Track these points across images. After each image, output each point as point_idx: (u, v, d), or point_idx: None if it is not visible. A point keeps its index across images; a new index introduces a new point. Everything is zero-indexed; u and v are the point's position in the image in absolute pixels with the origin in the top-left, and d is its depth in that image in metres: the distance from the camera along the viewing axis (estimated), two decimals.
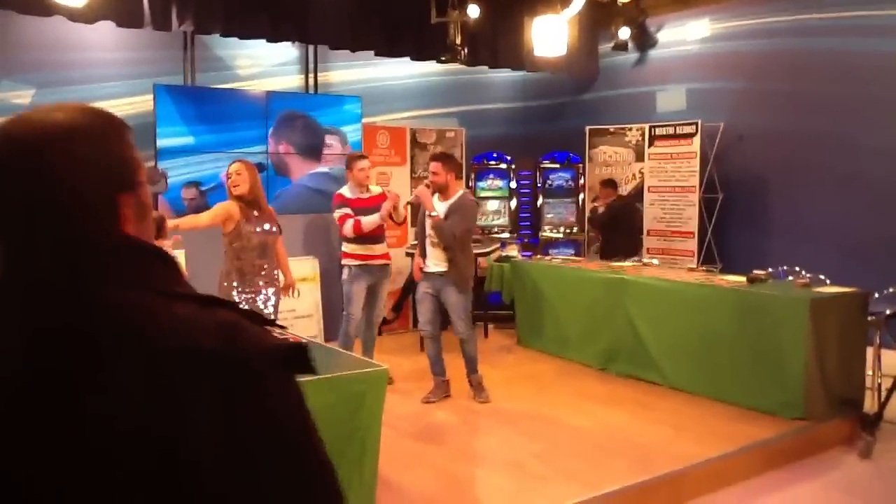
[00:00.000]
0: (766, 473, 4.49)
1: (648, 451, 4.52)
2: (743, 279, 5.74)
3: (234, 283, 4.70)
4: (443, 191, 5.44)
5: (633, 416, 5.20)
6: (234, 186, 4.71)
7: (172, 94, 6.62)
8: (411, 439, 4.78)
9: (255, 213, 4.75)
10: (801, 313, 5.01)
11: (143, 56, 6.76)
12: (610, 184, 7.88)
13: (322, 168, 7.37)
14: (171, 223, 4.66)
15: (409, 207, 6.21)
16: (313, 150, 7.34)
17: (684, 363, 5.71)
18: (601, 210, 7.86)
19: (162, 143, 6.52)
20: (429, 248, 5.49)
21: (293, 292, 5.13)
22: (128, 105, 6.71)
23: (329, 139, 7.44)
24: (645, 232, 8.40)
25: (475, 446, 4.72)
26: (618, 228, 7.76)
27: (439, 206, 5.41)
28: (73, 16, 5.75)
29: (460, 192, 5.50)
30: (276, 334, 1.00)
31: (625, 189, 8.49)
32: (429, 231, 5.46)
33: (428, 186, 5.45)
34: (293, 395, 0.95)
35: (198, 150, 6.72)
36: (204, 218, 4.82)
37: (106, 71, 6.61)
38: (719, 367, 5.45)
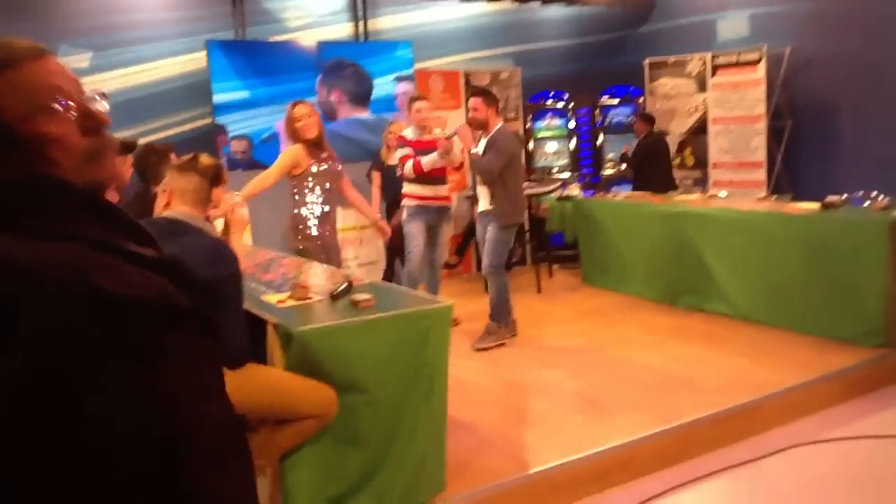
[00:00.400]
0: (845, 402, 4.35)
1: (722, 381, 4.42)
2: (816, 206, 5.52)
3: (305, 228, 4.67)
4: (484, 127, 5.33)
5: (704, 347, 5.10)
6: (306, 129, 4.63)
7: (225, 50, 6.63)
8: (477, 377, 4.77)
9: (323, 153, 4.72)
10: (880, 236, 4.79)
11: (193, 14, 6.77)
12: (646, 118, 7.70)
13: (361, 115, 7.29)
14: (237, 196, 4.60)
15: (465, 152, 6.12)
16: (362, 97, 7.28)
17: (756, 294, 5.55)
18: (632, 150, 7.69)
19: (217, 98, 6.56)
20: (478, 188, 5.44)
21: (382, 232, 5.22)
22: (182, 63, 6.76)
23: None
24: (710, 164, 8.15)
25: (542, 382, 4.68)
26: (648, 165, 7.59)
27: (481, 144, 5.32)
28: None
29: (498, 126, 5.36)
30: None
31: (688, 122, 8.24)
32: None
33: (470, 124, 5.36)
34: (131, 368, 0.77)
35: (253, 104, 6.74)
36: (272, 174, 4.70)
37: (159, 31, 6.65)
38: (793, 297, 5.28)
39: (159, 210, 2.83)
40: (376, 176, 6.30)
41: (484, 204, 5.42)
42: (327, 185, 4.70)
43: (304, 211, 4.68)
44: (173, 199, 2.78)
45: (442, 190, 5.69)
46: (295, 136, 4.68)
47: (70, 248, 0.82)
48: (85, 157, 0.97)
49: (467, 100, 7.73)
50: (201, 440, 0.81)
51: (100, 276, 0.79)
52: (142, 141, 6.33)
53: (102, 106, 1.04)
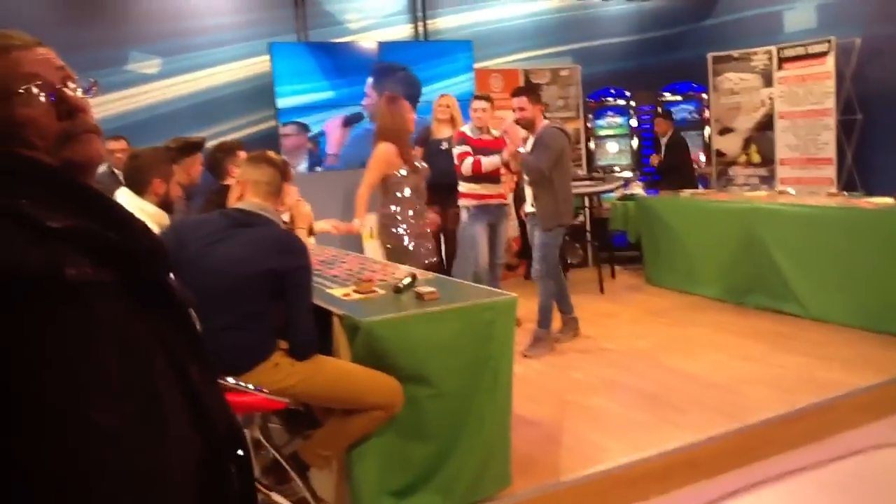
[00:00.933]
0: None
1: (792, 381, 4.31)
2: (890, 200, 5.34)
3: (394, 227, 4.74)
4: (530, 126, 5.18)
5: (774, 346, 4.97)
6: (411, 123, 4.81)
7: (288, 52, 6.73)
8: (540, 375, 4.74)
9: (413, 153, 4.83)
10: None
11: (256, 17, 6.90)
12: (668, 116, 7.73)
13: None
14: (360, 227, 4.78)
15: None
16: (411, 101, 7.27)
17: (827, 292, 5.39)
18: (661, 155, 7.71)
19: (281, 102, 6.66)
20: (526, 188, 5.33)
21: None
22: (246, 67, 6.89)
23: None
24: (777, 162, 7.95)
25: (606, 380, 4.62)
26: (675, 165, 7.57)
27: (528, 143, 5.23)
28: None
29: (544, 124, 5.22)
30: None
31: (754, 117, 8.07)
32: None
33: (517, 123, 5.23)
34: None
35: (316, 105, 6.83)
36: (371, 179, 4.77)
37: (223, 35, 6.79)
38: (867, 295, 5.11)
39: (233, 201, 2.89)
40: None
41: (530, 206, 5.31)
42: (416, 184, 4.79)
43: (393, 209, 4.75)
44: (247, 191, 2.84)
45: (499, 188, 5.66)
46: (397, 129, 4.72)
47: None
48: (59, 140, 1.05)
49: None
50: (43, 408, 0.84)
51: None
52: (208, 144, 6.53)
53: (80, 92, 1.10)
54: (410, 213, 4.77)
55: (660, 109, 8.08)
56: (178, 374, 1.02)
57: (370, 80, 7.08)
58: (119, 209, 1.05)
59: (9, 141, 1.02)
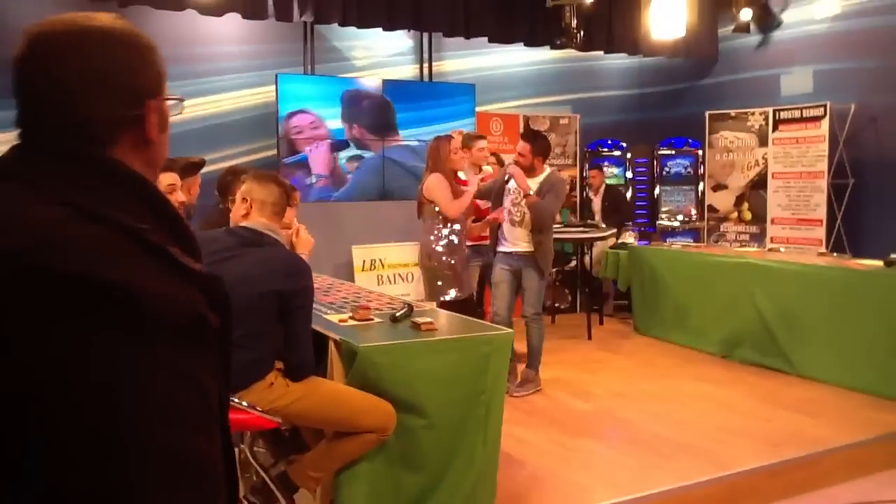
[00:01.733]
0: None
1: (778, 434, 4.33)
2: (879, 263, 5.42)
3: (437, 255, 4.96)
4: (527, 170, 5.18)
5: (761, 400, 5.00)
6: (462, 161, 5.08)
7: (293, 83, 6.82)
8: (528, 416, 4.74)
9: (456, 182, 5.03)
10: None
11: (264, 49, 7.00)
12: (601, 169, 8.16)
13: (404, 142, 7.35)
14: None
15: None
16: (388, 128, 7.33)
17: (816, 350, 5.44)
18: (601, 199, 8.07)
19: (283, 130, 6.73)
20: (508, 228, 5.23)
21: None
22: (251, 95, 6.97)
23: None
24: (769, 220, 8.06)
25: (593, 424, 4.63)
26: (613, 214, 7.93)
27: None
28: (203, 9, 6.02)
29: (548, 170, 5.27)
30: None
31: (747, 176, 8.20)
32: (510, 208, 5.20)
33: (517, 164, 5.21)
34: (108, 352, 0.76)
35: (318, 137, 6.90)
36: (447, 195, 4.95)
37: (230, 63, 6.88)
38: (854, 354, 5.16)
39: (237, 218, 2.91)
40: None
41: (516, 245, 5.21)
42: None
43: (437, 238, 4.96)
44: (253, 210, 2.86)
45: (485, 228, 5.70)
46: (448, 164, 4.99)
47: (113, 236, 0.83)
48: (157, 148, 1.02)
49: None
50: (144, 458, 0.77)
51: (119, 270, 0.80)
52: (207, 169, 6.56)
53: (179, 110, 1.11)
54: (450, 244, 4.98)
55: (596, 164, 8.48)
56: (221, 406, 0.96)
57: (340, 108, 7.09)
58: (196, 240, 1.00)
59: (140, 139, 0.99)
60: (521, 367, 5.37)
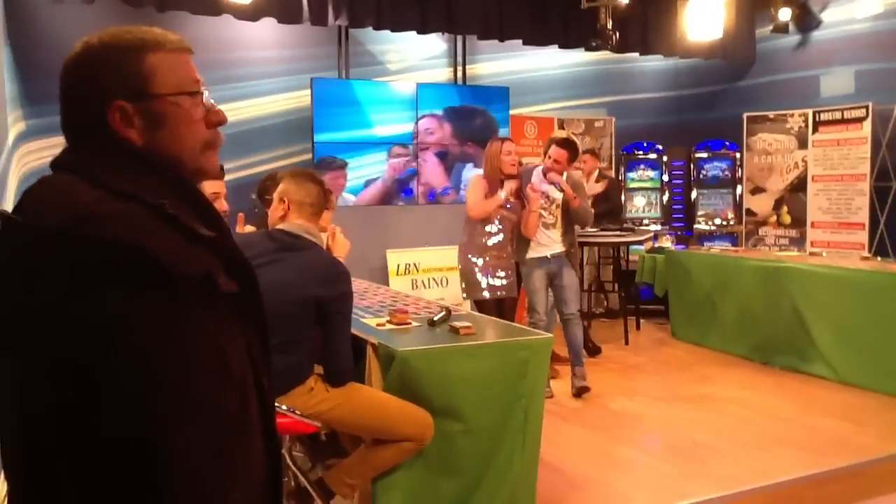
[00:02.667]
0: None
1: (822, 443, 4.23)
2: None
3: (473, 255, 4.97)
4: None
5: (803, 408, 4.89)
6: (509, 165, 4.96)
7: (328, 87, 6.84)
8: (566, 423, 4.68)
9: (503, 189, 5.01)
10: None
11: (299, 53, 7.03)
12: (593, 152, 7.56)
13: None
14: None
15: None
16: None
17: (858, 356, 5.31)
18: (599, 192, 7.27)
19: (319, 136, 6.74)
20: (542, 232, 5.18)
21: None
22: (286, 100, 7.00)
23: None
24: (809, 224, 7.92)
25: (632, 431, 4.57)
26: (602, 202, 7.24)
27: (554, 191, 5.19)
28: (239, 14, 6.06)
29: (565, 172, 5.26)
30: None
31: (786, 179, 8.06)
32: (541, 212, 5.14)
33: (551, 170, 5.16)
34: (142, 306, 0.91)
35: (353, 141, 6.91)
36: (476, 196, 4.98)
37: (266, 68, 6.92)
38: None
39: (274, 220, 2.88)
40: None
41: (550, 248, 5.19)
42: (501, 219, 4.99)
43: (468, 238, 4.99)
44: (290, 212, 2.84)
45: None
46: (496, 168, 4.96)
47: (136, 210, 0.97)
48: (203, 146, 1.13)
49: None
50: (179, 407, 0.90)
51: (150, 239, 0.94)
52: (243, 173, 6.61)
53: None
54: (489, 244, 4.96)
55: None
56: (257, 386, 1.07)
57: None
58: (224, 222, 1.12)
59: (168, 137, 1.09)
60: (558, 367, 5.39)
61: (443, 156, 7.33)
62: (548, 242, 5.20)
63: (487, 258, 4.96)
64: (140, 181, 1.01)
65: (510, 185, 5.00)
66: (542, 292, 5.22)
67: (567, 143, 5.17)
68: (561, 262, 5.22)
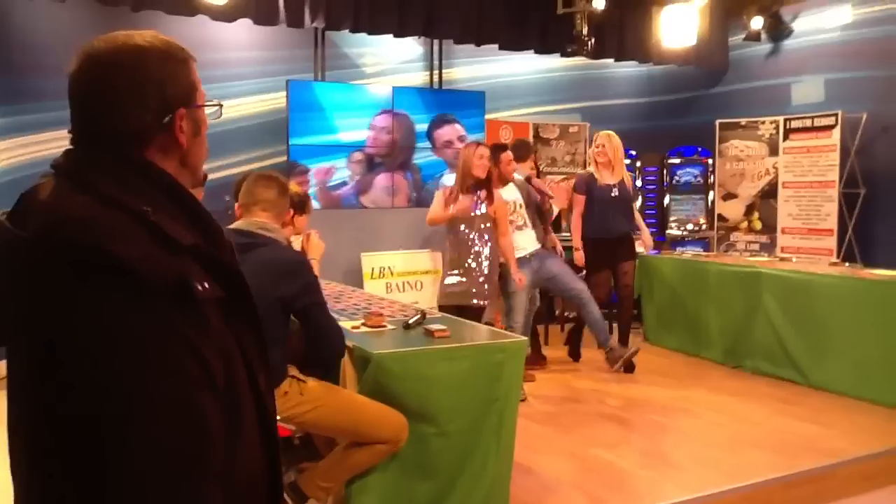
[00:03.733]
0: None
1: (791, 446, 4.28)
2: (893, 273, 5.38)
3: (460, 265, 4.95)
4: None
5: (773, 411, 4.95)
6: (479, 168, 4.91)
7: (304, 90, 6.82)
8: (540, 426, 4.70)
9: (482, 196, 4.98)
10: None
11: (275, 55, 7.00)
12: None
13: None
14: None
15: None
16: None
17: (828, 361, 5.39)
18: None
19: (294, 139, 6.72)
20: (517, 235, 5.34)
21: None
22: (262, 102, 6.97)
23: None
24: (779, 230, 8.02)
25: (605, 435, 4.59)
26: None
27: (509, 193, 5.36)
28: (215, 14, 6.02)
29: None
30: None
31: (757, 185, 8.16)
32: (511, 217, 5.28)
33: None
34: (108, 309, 0.94)
35: (328, 144, 6.89)
36: (432, 215, 5.08)
37: (241, 69, 6.88)
38: (868, 365, 5.10)
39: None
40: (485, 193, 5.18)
41: (535, 244, 5.48)
42: (483, 226, 4.92)
43: (460, 249, 4.94)
44: (245, 212, 2.80)
45: None
46: (468, 171, 4.91)
47: (116, 216, 1.00)
48: (191, 152, 1.17)
49: (535, 151, 7.74)
50: (143, 404, 0.93)
51: (120, 244, 0.96)
52: (218, 175, 6.56)
53: (218, 112, 1.25)
54: (460, 251, 4.94)
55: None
56: (251, 383, 1.10)
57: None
58: (218, 227, 1.14)
59: (171, 142, 1.12)
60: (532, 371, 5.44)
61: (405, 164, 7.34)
62: (524, 244, 5.28)
63: (455, 264, 4.98)
64: (131, 187, 1.04)
65: (481, 193, 5.02)
66: (522, 294, 5.25)
67: (495, 148, 5.35)
68: (542, 257, 5.42)
